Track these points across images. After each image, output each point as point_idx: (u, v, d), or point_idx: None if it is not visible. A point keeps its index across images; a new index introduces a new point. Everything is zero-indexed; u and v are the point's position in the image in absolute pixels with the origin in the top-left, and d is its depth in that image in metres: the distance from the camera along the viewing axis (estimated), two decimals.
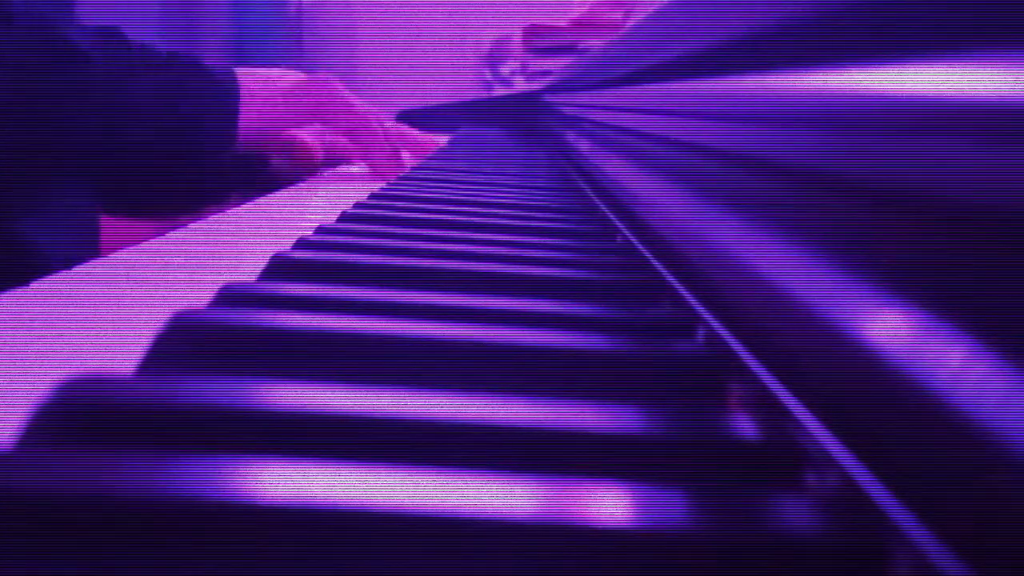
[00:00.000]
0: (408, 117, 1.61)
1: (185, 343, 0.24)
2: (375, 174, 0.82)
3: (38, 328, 0.30)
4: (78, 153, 0.69)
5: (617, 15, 1.48)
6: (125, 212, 0.82)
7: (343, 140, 0.84)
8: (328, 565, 0.15)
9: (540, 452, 0.19)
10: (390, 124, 0.96)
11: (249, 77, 0.78)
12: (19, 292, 0.34)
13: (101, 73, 0.68)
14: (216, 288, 0.30)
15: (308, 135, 0.81)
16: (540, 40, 1.72)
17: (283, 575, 0.15)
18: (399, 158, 0.86)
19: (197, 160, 0.75)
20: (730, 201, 0.31)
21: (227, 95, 0.75)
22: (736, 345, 0.25)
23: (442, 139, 1.24)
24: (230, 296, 0.29)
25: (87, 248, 0.71)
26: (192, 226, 0.52)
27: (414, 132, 1.03)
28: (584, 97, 0.93)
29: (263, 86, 0.78)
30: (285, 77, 0.82)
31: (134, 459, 0.17)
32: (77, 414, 0.19)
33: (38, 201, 0.70)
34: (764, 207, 0.28)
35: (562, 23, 1.71)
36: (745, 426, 0.20)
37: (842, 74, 0.23)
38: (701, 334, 0.29)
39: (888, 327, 0.17)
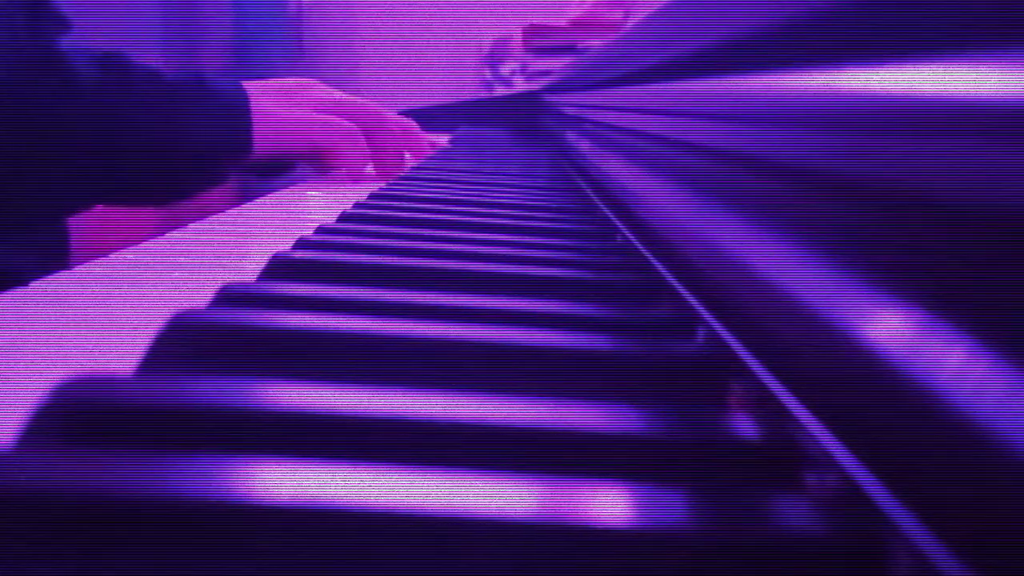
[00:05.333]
0: (408, 117, 1.60)
1: (185, 343, 0.24)
2: (380, 173, 0.82)
3: (38, 328, 0.30)
4: (67, 173, 0.68)
5: (617, 15, 1.48)
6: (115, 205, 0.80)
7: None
8: (328, 565, 0.15)
9: (540, 452, 0.19)
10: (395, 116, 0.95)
11: (263, 92, 0.76)
12: (19, 292, 0.34)
13: (92, 94, 0.66)
14: (216, 288, 0.30)
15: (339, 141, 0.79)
16: (540, 40, 1.72)
17: (283, 575, 0.15)
18: (401, 156, 0.85)
19: (201, 176, 0.73)
20: (730, 201, 0.31)
21: (236, 117, 0.72)
22: (736, 345, 0.25)
23: (442, 139, 1.24)
24: (230, 296, 0.29)
25: (56, 263, 0.71)
26: (192, 226, 0.52)
27: (417, 129, 1.02)
28: (584, 97, 0.93)
29: (276, 100, 0.76)
30: (295, 87, 0.80)
31: (134, 459, 0.17)
32: (77, 414, 0.19)
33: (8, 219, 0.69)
34: (764, 207, 0.28)
35: (562, 23, 1.70)
36: (745, 426, 0.20)
37: (842, 74, 0.23)
38: (701, 334, 0.29)
39: (888, 327, 0.17)
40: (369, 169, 0.83)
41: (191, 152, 0.71)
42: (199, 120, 0.70)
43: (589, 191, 0.69)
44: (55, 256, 0.78)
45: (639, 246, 0.43)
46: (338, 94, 0.82)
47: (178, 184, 0.73)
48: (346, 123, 0.78)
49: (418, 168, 0.85)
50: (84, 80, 0.66)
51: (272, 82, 0.79)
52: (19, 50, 0.67)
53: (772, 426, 0.20)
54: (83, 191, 0.71)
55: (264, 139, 0.73)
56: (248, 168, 0.77)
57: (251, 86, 0.75)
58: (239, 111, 0.72)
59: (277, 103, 0.76)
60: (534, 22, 1.75)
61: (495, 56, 2.33)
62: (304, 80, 0.81)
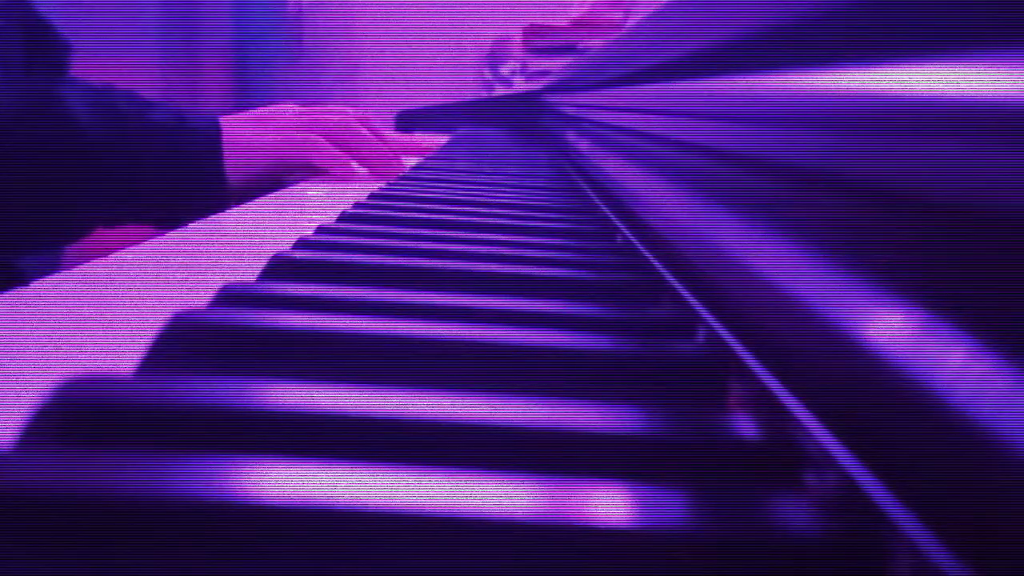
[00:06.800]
0: (408, 117, 1.61)
1: (185, 343, 0.24)
2: (374, 174, 0.84)
3: (38, 328, 0.30)
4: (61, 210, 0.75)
5: (617, 15, 1.48)
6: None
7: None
8: (328, 565, 0.15)
9: (540, 452, 0.19)
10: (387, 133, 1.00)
11: (239, 126, 0.83)
12: (19, 292, 0.34)
13: (98, 146, 0.74)
14: (216, 288, 0.30)
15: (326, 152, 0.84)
16: (540, 40, 1.73)
17: (283, 575, 0.15)
18: (398, 159, 0.87)
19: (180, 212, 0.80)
20: (730, 201, 0.31)
21: (209, 147, 0.80)
22: (736, 345, 0.25)
23: (440, 139, 1.24)
24: (230, 296, 0.29)
25: (50, 265, 0.77)
26: (192, 226, 0.52)
27: (408, 139, 1.08)
28: (584, 97, 0.93)
29: (248, 128, 0.84)
30: (280, 116, 0.87)
31: (134, 459, 0.17)
32: (77, 414, 0.19)
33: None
34: (764, 207, 0.28)
35: (562, 23, 1.71)
36: (745, 426, 0.20)
37: (842, 74, 0.23)
38: (701, 334, 0.29)
39: (888, 327, 0.17)
40: (361, 169, 0.85)
41: (170, 183, 0.79)
42: (177, 154, 0.79)
43: (589, 191, 0.69)
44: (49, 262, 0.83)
45: (639, 246, 0.43)
46: (309, 111, 0.89)
47: (164, 212, 0.81)
48: (307, 135, 0.84)
49: (418, 168, 0.85)
50: (79, 121, 0.73)
51: (248, 113, 0.87)
52: (20, 88, 0.74)
53: (772, 426, 0.20)
54: (70, 222, 0.77)
55: (235, 162, 0.81)
56: (250, 189, 0.83)
57: (226, 119, 0.84)
58: (212, 141, 0.81)
59: (248, 130, 0.84)
60: (534, 22, 1.75)
61: (495, 56, 2.34)
62: (277, 107, 0.89)
